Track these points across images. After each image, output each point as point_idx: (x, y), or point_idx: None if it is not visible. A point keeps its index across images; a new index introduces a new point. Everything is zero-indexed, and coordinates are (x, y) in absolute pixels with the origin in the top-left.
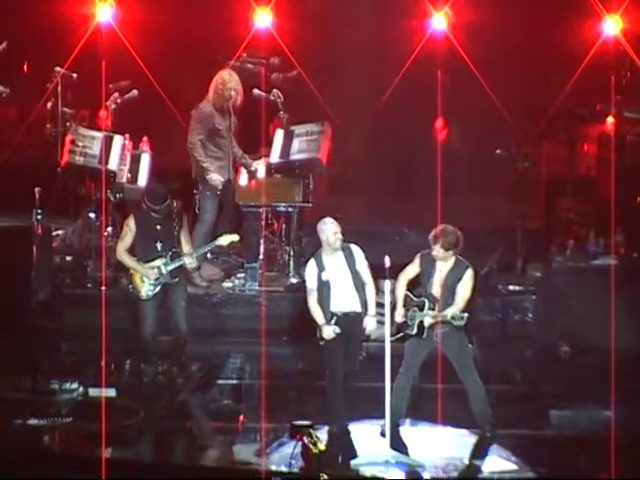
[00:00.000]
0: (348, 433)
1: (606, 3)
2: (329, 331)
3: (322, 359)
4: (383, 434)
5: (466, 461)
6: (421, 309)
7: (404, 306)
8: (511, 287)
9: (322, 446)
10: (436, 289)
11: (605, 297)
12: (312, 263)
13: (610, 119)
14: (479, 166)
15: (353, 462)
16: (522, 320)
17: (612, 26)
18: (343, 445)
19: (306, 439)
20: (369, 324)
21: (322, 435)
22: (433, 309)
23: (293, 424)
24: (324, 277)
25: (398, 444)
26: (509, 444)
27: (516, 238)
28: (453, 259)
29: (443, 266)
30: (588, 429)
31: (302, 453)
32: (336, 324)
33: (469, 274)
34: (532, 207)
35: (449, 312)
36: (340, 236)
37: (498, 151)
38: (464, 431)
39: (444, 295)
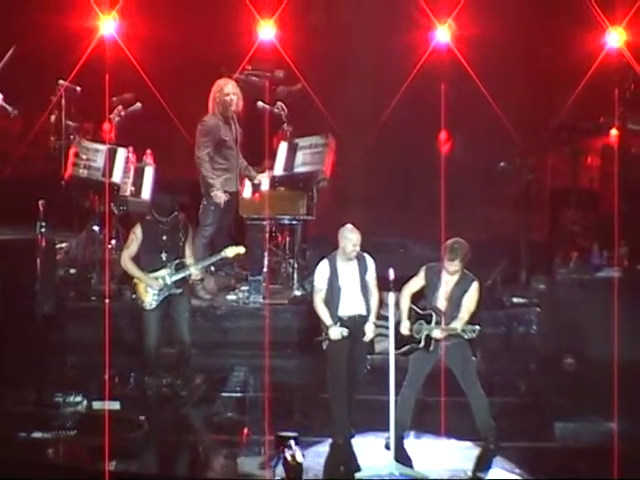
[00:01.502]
0: (351, 443)
1: (610, 15)
2: (337, 332)
3: (326, 362)
4: (387, 447)
5: (470, 473)
6: (428, 322)
7: (408, 319)
8: (515, 299)
9: (299, 458)
10: (441, 302)
11: (609, 309)
12: (325, 264)
13: (614, 131)
14: (483, 178)
15: (358, 474)
16: (526, 332)
17: (616, 38)
18: (346, 456)
19: (286, 451)
20: (369, 329)
21: (324, 447)
22: (440, 322)
23: (277, 435)
24: (335, 281)
25: (402, 456)
26: (513, 456)
27: (520, 250)
28: (459, 272)
29: (449, 279)
30: (592, 441)
31: (283, 464)
32: (342, 327)
33: (475, 287)
34: (536, 219)
35: (458, 325)
36: (358, 249)
37: (502, 163)
38: (468, 443)
39: (449, 308)
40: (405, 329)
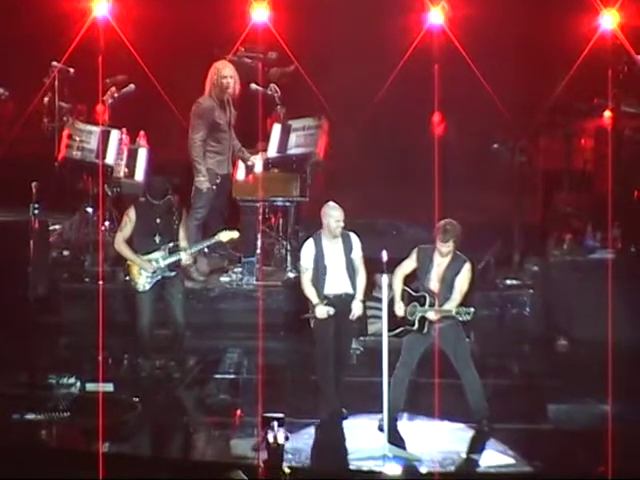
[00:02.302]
0: (340, 421)
1: None
2: (323, 311)
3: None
4: (381, 428)
5: (463, 455)
6: (422, 304)
7: (401, 301)
8: (508, 281)
9: (281, 440)
10: (434, 284)
11: (602, 291)
12: (310, 243)
13: (607, 113)
14: (476, 160)
15: (351, 456)
16: (519, 314)
17: (609, 20)
18: (335, 434)
19: (269, 432)
20: (356, 307)
21: (317, 429)
22: (434, 304)
23: (263, 416)
24: (321, 260)
25: (396, 438)
26: (506, 438)
27: (513, 232)
28: (451, 254)
29: (441, 260)
30: (585, 423)
31: (266, 446)
32: (328, 305)
33: (467, 268)
34: (529, 201)
35: (452, 307)
36: (342, 224)
37: (495, 145)
38: (461, 425)
39: (442, 289)
40: (400, 311)
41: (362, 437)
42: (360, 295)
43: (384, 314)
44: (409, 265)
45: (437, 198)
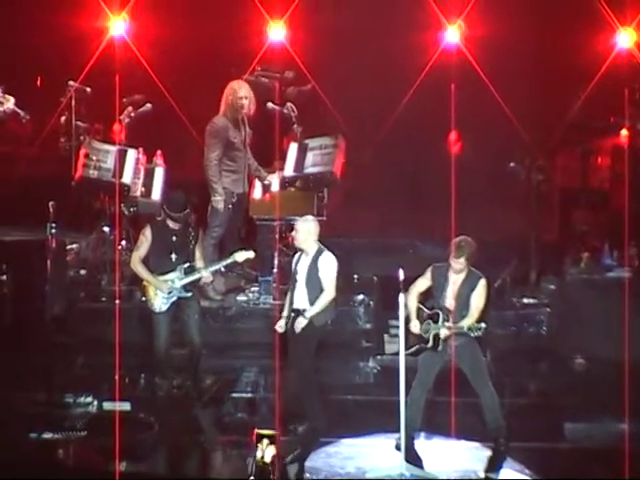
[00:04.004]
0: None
1: (620, 16)
2: (278, 326)
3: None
4: (398, 447)
5: (480, 474)
6: (435, 321)
7: (417, 319)
8: (525, 300)
9: (268, 458)
10: (449, 301)
11: (619, 309)
12: (296, 256)
13: (624, 132)
14: (493, 179)
15: (368, 474)
16: (536, 333)
17: (626, 39)
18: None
19: (258, 449)
20: (297, 322)
21: (334, 448)
22: (447, 321)
23: (256, 432)
24: (294, 273)
25: (413, 457)
26: (523, 457)
27: (530, 251)
28: (466, 270)
29: (456, 278)
30: (602, 442)
31: (254, 463)
32: (293, 320)
33: (482, 284)
34: (546, 220)
35: (465, 323)
36: (296, 237)
37: (512, 164)
38: (478, 444)
39: (458, 307)
40: (414, 328)
41: (379, 456)
42: (308, 312)
43: (400, 332)
44: (424, 284)
45: (454, 216)
